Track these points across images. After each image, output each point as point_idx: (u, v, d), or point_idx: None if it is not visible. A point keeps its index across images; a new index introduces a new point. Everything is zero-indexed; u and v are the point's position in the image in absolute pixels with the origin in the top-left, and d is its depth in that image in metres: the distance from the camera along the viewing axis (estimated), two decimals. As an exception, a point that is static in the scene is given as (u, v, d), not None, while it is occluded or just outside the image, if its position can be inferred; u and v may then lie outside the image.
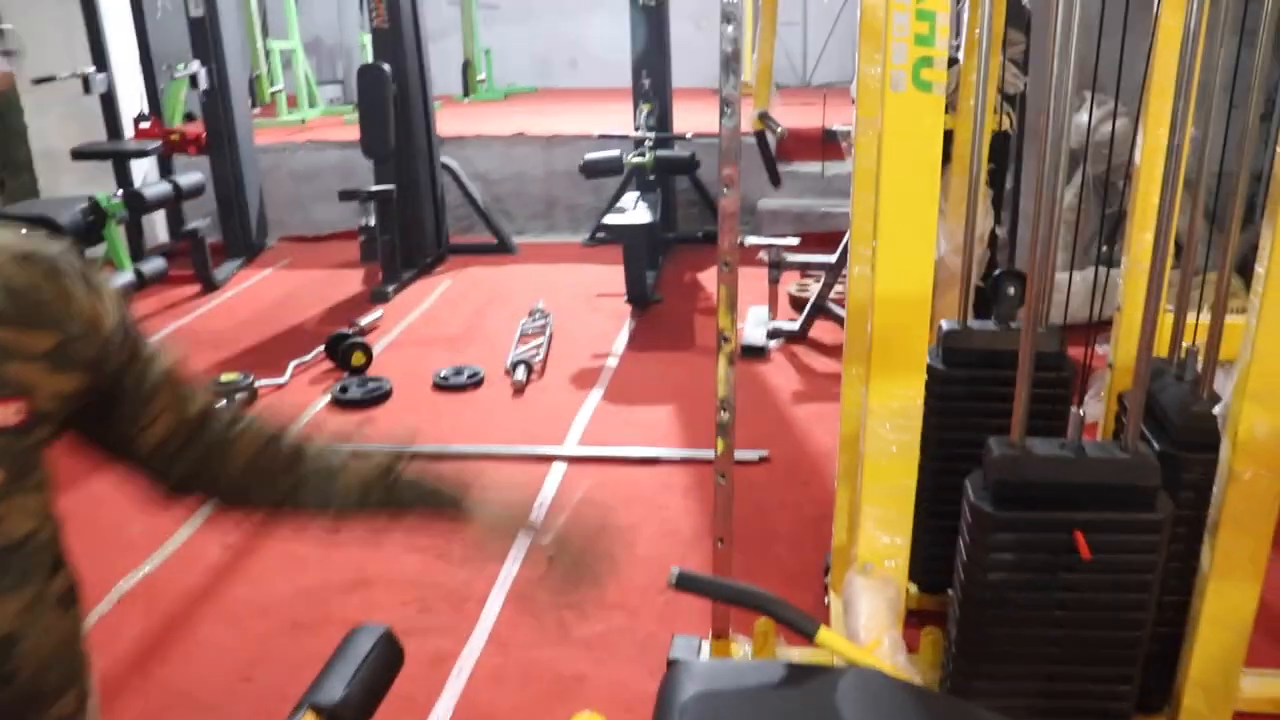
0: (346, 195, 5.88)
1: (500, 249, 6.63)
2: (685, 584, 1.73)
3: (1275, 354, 1.82)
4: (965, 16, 3.21)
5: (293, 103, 8.85)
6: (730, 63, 2.16)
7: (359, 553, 3.24)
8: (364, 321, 5.34)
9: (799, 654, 2.62)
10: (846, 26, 9.82)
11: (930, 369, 2.42)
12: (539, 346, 4.91)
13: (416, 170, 6.27)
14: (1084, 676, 1.99)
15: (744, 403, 4.37)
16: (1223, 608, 2.00)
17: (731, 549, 2.56)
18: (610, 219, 5.15)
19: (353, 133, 7.49)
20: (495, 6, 9.54)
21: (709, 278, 6.22)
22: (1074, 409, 1.99)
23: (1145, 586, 1.92)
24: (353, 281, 6.35)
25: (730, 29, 2.14)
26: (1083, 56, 1.70)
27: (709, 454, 3.93)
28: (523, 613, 2.93)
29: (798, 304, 5.40)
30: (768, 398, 4.48)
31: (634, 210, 5.24)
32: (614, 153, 5.62)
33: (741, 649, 2.62)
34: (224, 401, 1.21)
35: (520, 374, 4.55)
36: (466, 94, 9.27)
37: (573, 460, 3.88)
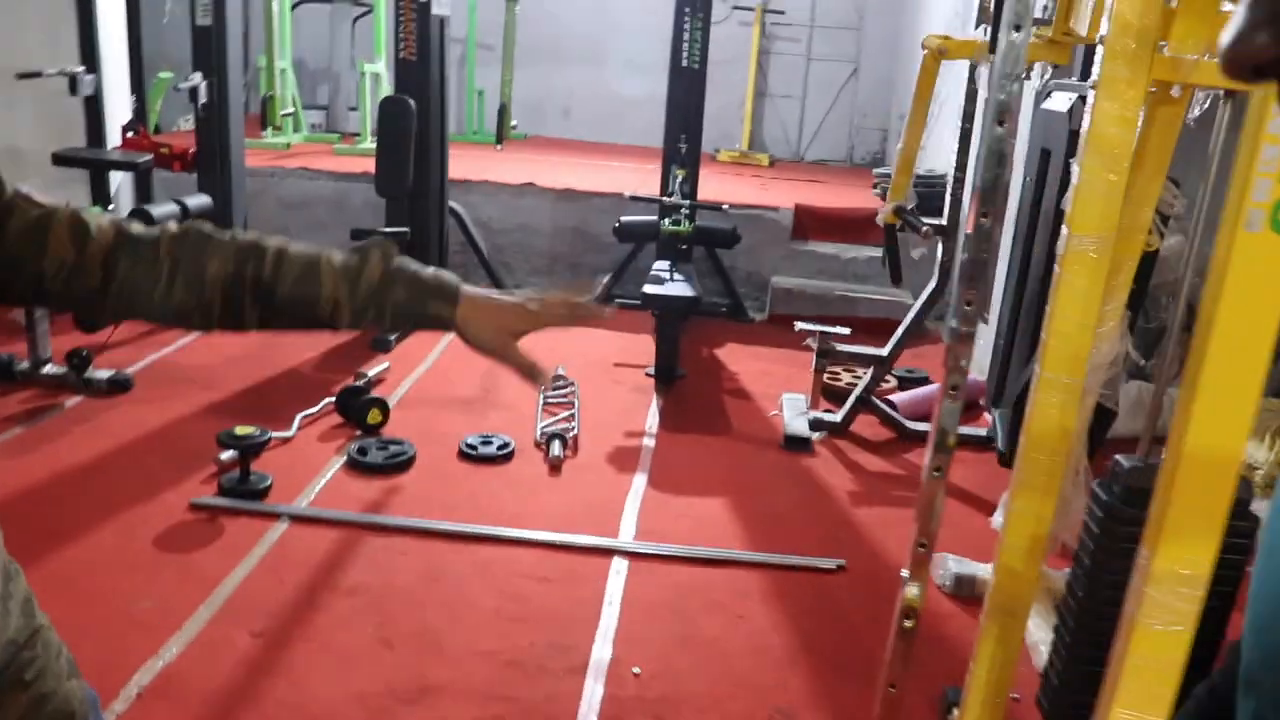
0: (359, 234, 5.46)
1: (504, 303, 6.26)
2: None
3: None
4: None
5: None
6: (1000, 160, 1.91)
7: (417, 654, 2.86)
8: (371, 374, 4.92)
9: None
10: (846, 104, 9.78)
11: (1104, 504, 2.20)
12: (571, 419, 4.55)
13: (427, 212, 5.90)
14: None
15: (797, 500, 4.11)
16: None
17: (903, 695, 2.26)
18: (650, 288, 4.83)
19: (344, 164, 7.15)
20: (491, 48, 9.23)
21: (729, 354, 5.94)
22: None
23: None
24: (345, 323, 5.92)
25: (1001, 129, 1.89)
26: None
27: (783, 559, 3.64)
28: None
29: (830, 393, 5.15)
30: (822, 497, 4.18)
31: (673, 281, 4.93)
32: (651, 218, 5.32)
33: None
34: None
35: (556, 449, 4.17)
36: (499, 141, 8.94)
37: (633, 556, 3.52)
